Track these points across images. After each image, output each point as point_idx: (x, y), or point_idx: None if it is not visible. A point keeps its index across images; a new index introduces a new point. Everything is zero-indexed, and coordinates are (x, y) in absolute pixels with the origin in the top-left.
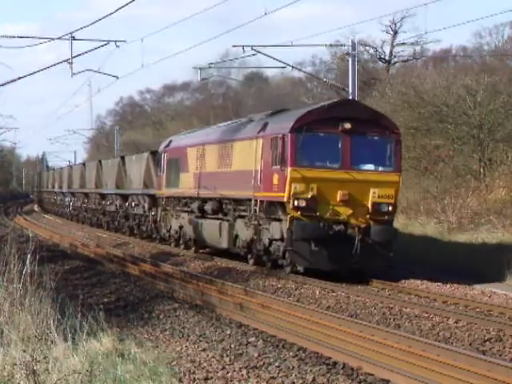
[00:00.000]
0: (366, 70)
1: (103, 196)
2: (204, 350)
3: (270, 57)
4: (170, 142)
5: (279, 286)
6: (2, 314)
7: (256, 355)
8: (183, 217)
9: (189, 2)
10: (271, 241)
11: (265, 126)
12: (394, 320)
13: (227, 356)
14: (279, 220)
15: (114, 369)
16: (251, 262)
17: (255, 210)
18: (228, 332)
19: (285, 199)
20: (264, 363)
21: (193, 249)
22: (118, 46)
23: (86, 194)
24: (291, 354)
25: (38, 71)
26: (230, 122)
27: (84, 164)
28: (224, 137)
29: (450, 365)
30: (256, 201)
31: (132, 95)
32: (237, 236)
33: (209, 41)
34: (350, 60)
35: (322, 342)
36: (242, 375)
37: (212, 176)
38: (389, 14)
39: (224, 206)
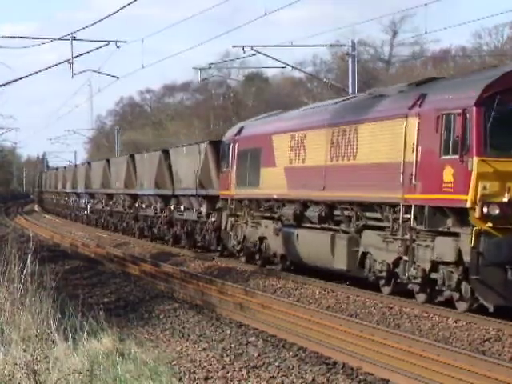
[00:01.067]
0: (365, 70)
1: (134, 197)
2: (204, 349)
3: (270, 57)
4: (242, 128)
5: (279, 285)
6: (2, 314)
7: (256, 355)
8: (266, 225)
9: (189, 2)
10: (436, 264)
11: (421, 98)
12: (393, 320)
13: (227, 356)
14: (453, 234)
15: (114, 368)
16: (386, 290)
17: (406, 218)
18: (228, 332)
19: (468, 204)
20: (264, 363)
21: (278, 267)
22: (118, 47)
23: (110, 195)
24: (291, 353)
25: (39, 71)
26: (341, 99)
27: (108, 160)
28: (339, 118)
29: (450, 365)
30: (407, 206)
31: (132, 95)
32: (364, 255)
33: (209, 41)
34: (350, 60)
35: (321, 341)
36: (242, 375)
37: (318, 171)
38: (389, 13)
39: (338, 213)
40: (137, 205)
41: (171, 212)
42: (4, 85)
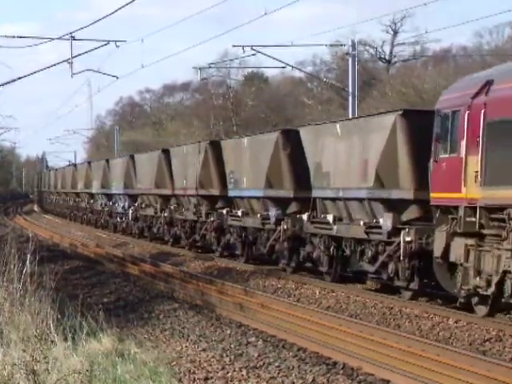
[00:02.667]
0: (366, 70)
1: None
2: (204, 349)
3: (270, 57)
4: (491, 83)
5: (279, 286)
6: (2, 314)
7: (256, 355)
8: None
9: (189, 2)
10: None
11: None
12: (393, 320)
13: (227, 356)
14: None
15: (113, 369)
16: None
17: None
18: (228, 332)
19: None
20: (264, 363)
21: None
22: (117, 46)
23: (176, 196)
24: (291, 354)
25: (38, 71)
26: None
27: (166, 151)
28: None
29: (450, 365)
30: None
31: (132, 95)
32: None
33: (209, 41)
34: (350, 60)
35: (321, 342)
36: (242, 375)
37: None
38: (389, 13)
39: None
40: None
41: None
42: (3, 84)
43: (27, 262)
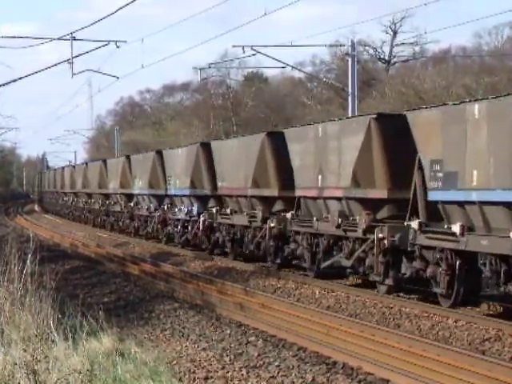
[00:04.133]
0: (365, 70)
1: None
2: (204, 349)
3: (270, 57)
4: None
5: (279, 285)
6: (2, 314)
7: (256, 355)
8: None
9: (189, 2)
10: None
11: None
12: (393, 320)
13: (227, 356)
14: None
15: (114, 368)
16: None
17: None
18: (228, 332)
19: None
20: (264, 363)
21: None
22: (118, 47)
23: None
24: (291, 353)
25: (39, 71)
26: None
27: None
28: None
29: (450, 364)
30: None
31: (132, 95)
32: None
33: (209, 41)
34: (350, 60)
35: (321, 341)
36: (242, 375)
37: None
38: (389, 13)
39: None
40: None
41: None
42: (4, 85)
43: (28, 261)
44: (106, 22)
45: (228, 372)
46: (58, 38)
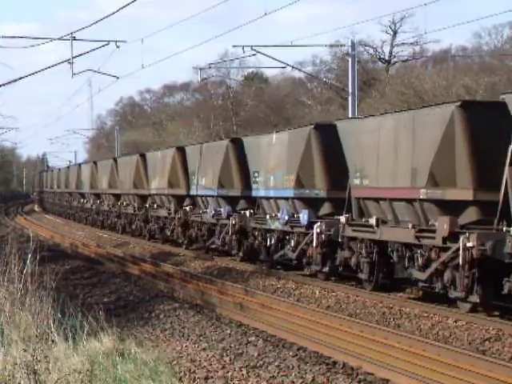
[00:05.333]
0: (365, 70)
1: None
2: (204, 349)
3: (270, 57)
4: None
5: (279, 285)
6: (2, 314)
7: (256, 355)
8: None
9: (189, 2)
10: None
11: None
12: (393, 320)
13: (227, 355)
14: None
15: (114, 368)
16: None
17: None
18: (228, 332)
19: None
20: (264, 363)
21: None
22: (118, 47)
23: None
24: (291, 353)
25: (39, 71)
26: None
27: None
28: None
29: (450, 364)
30: None
31: (132, 95)
32: None
33: (209, 41)
34: (350, 60)
35: (321, 341)
36: (242, 375)
37: None
38: (388, 14)
39: None
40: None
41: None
42: (4, 85)
43: (28, 261)
44: (106, 22)
45: (228, 372)
46: (58, 38)
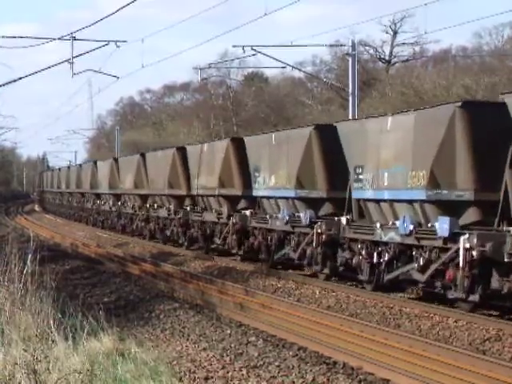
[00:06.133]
0: (365, 70)
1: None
2: (204, 349)
3: (270, 57)
4: None
5: (279, 285)
6: (2, 314)
7: (256, 355)
8: None
9: (189, 2)
10: None
11: None
12: (393, 320)
13: (227, 355)
14: None
15: (114, 368)
16: None
17: None
18: (228, 332)
19: None
20: (264, 363)
21: None
22: (118, 47)
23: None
24: (291, 353)
25: (39, 71)
26: None
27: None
28: None
29: (450, 364)
30: None
31: (132, 95)
32: None
33: (209, 41)
34: (350, 60)
35: (322, 341)
36: (243, 375)
37: None
38: (389, 14)
39: None
40: None
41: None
42: (4, 85)
43: (28, 261)
44: (106, 22)
45: (228, 372)
46: (59, 38)
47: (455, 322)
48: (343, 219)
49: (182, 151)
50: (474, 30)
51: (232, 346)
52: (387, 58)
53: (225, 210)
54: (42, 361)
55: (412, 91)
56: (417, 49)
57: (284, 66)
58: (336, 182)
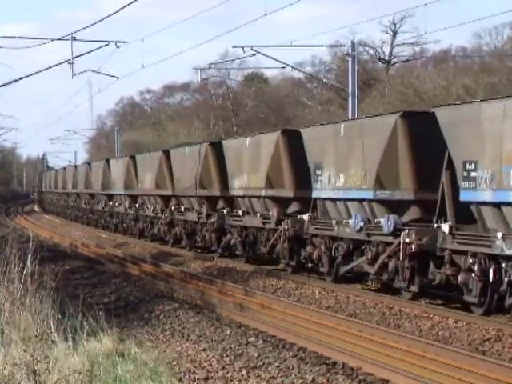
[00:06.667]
0: (365, 71)
1: None
2: (204, 349)
3: (270, 57)
4: None
5: (279, 286)
6: (2, 314)
7: (256, 355)
8: None
9: (189, 2)
10: None
11: None
12: (393, 320)
13: (227, 356)
14: None
15: (114, 369)
16: None
17: None
18: (228, 332)
19: None
20: (264, 363)
21: None
22: (118, 47)
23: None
24: (291, 353)
25: (39, 71)
26: None
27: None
28: None
29: (450, 365)
30: None
31: (132, 95)
32: None
33: (209, 41)
34: (350, 60)
35: (321, 341)
36: (242, 375)
37: None
38: (389, 14)
39: None
40: None
41: None
42: (4, 85)
43: (28, 262)
44: (106, 22)
45: (228, 372)
46: (59, 39)
47: (455, 322)
48: (444, 226)
49: (216, 146)
50: (473, 31)
51: (232, 346)
52: (387, 58)
53: (274, 213)
54: (42, 361)
55: (412, 91)
56: (417, 49)
57: (284, 66)
58: (425, 180)
